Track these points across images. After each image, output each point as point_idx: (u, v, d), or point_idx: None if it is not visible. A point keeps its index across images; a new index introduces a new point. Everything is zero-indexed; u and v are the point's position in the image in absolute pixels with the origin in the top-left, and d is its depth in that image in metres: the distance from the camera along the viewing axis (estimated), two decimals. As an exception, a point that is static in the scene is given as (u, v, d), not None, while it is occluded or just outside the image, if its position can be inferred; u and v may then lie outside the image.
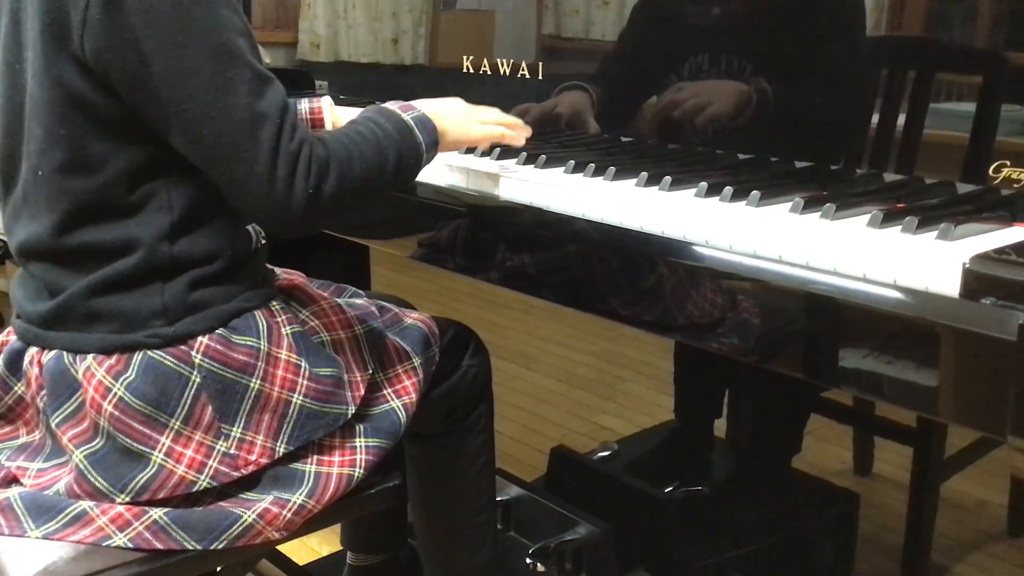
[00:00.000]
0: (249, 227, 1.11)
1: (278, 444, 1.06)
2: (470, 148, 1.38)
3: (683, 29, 1.34)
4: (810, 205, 1.03)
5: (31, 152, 1.02)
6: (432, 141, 1.13)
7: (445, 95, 1.23)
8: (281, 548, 1.61)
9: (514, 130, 1.27)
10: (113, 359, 1.01)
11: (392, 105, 1.14)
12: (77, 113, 0.99)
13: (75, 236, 1.01)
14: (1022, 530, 1.45)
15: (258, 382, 1.05)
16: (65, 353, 1.02)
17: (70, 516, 1.00)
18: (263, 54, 2.03)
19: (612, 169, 1.21)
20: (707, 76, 1.27)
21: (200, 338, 1.02)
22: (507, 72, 1.49)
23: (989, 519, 1.45)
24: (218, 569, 1.13)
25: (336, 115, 1.31)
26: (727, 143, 1.27)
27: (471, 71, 1.54)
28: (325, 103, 1.30)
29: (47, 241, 1.02)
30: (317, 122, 1.29)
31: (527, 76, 1.47)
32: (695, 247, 1.03)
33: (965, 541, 1.48)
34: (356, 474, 1.10)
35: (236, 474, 1.04)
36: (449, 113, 1.19)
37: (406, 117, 1.12)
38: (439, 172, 1.32)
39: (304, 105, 1.29)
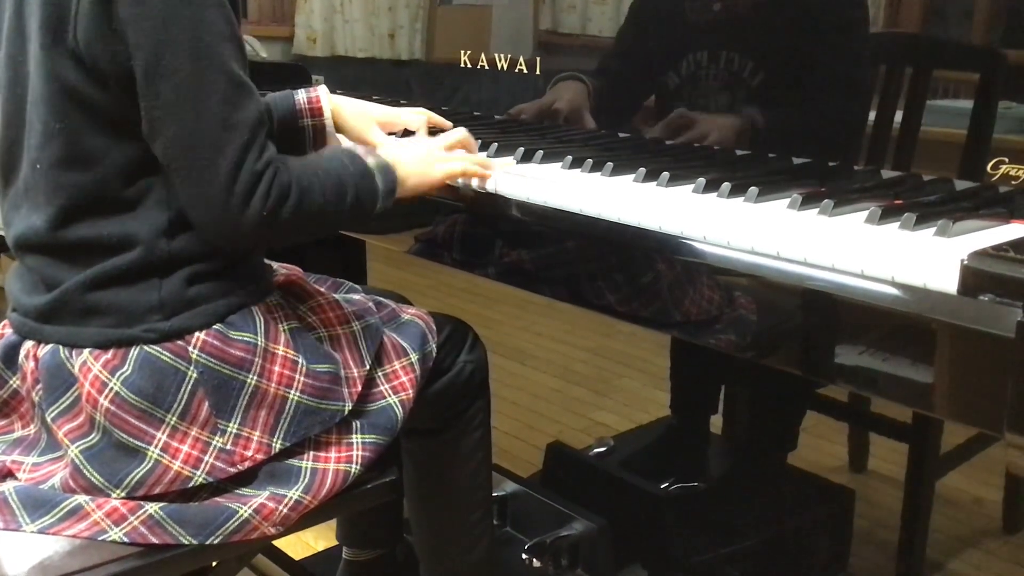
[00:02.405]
0: None
1: (274, 440, 1.06)
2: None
3: (681, 25, 1.33)
4: (808, 201, 1.03)
5: (31, 146, 1.02)
6: (389, 189, 1.12)
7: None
8: (277, 543, 1.60)
9: (479, 166, 1.25)
10: (109, 354, 1.00)
11: (358, 149, 1.14)
12: (73, 107, 0.98)
13: (72, 231, 1.01)
14: (1017, 527, 1.45)
15: (255, 378, 1.04)
16: (61, 347, 1.02)
17: (65, 510, 1.00)
18: (259, 48, 2.03)
19: (610, 165, 1.21)
20: (705, 73, 1.27)
21: (197, 333, 1.02)
22: (504, 67, 1.49)
23: (984, 516, 1.46)
24: (214, 564, 1.13)
25: (334, 103, 1.30)
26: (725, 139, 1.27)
27: (468, 66, 1.53)
28: (322, 92, 1.29)
29: (44, 235, 1.02)
30: (316, 112, 1.28)
31: (524, 71, 1.46)
32: (693, 243, 1.03)
33: (960, 538, 1.48)
34: (352, 470, 1.10)
35: (232, 470, 1.04)
36: (411, 160, 1.18)
37: (369, 161, 1.11)
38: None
39: (301, 96, 1.28)
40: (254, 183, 0.97)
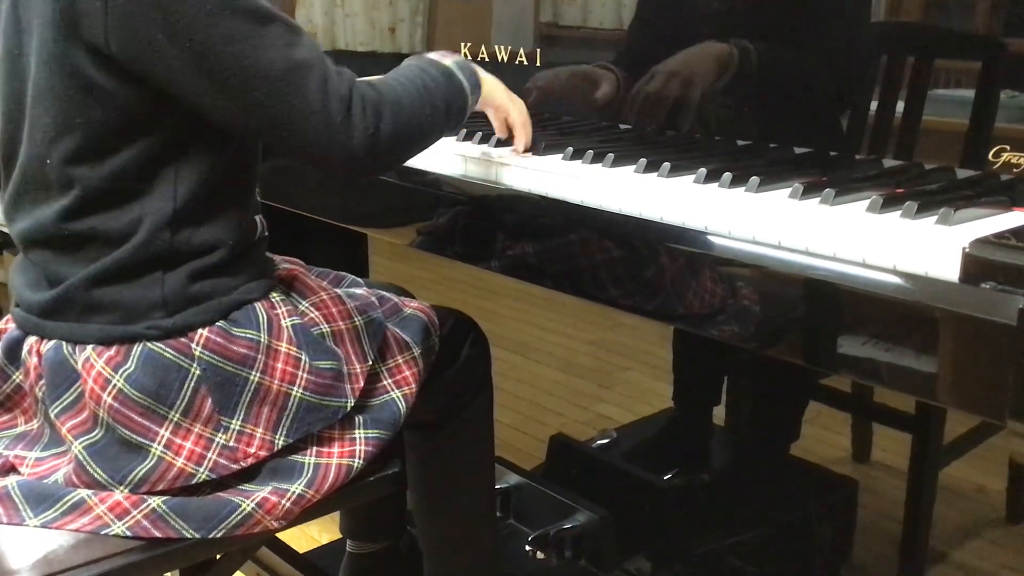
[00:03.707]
0: (256, 217, 1.11)
1: (277, 437, 1.06)
2: (468, 135, 1.38)
3: (683, 16, 1.33)
4: (809, 191, 1.03)
5: (37, 141, 1.01)
6: (475, 83, 1.16)
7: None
8: (281, 536, 1.61)
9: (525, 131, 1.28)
10: (112, 350, 1.00)
11: (430, 54, 1.17)
12: (91, 102, 0.97)
13: (81, 223, 1.00)
14: (1021, 516, 1.45)
15: (258, 375, 1.04)
16: (64, 343, 1.02)
17: (68, 504, 1.00)
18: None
19: (611, 155, 1.21)
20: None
21: (200, 330, 1.02)
22: (505, 59, 1.49)
23: (988, 505, 1.45)
24: (217, 557, 1.13)
25: None
26: (726, 129, 1.27)
27: (469, 59, 1.53)
28: None
29: (50, 229, 1.01)
30: None
31: (525, 63, 1.46)
32: (694, 233, 1.03)
33: (964, 527, 1.48)
34: (355, 465, 1.10)
35: (235, 466, 1.04)
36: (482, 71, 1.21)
37: (446, 62, 1.14)
38: (437, 159, 1.32)
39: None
40: (347, 106, 0.99)
